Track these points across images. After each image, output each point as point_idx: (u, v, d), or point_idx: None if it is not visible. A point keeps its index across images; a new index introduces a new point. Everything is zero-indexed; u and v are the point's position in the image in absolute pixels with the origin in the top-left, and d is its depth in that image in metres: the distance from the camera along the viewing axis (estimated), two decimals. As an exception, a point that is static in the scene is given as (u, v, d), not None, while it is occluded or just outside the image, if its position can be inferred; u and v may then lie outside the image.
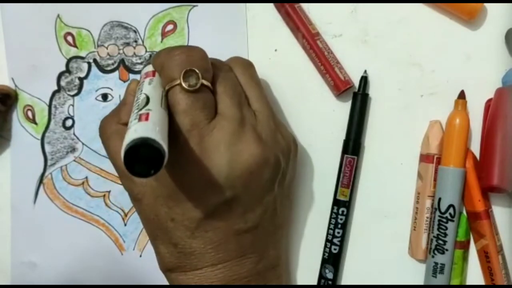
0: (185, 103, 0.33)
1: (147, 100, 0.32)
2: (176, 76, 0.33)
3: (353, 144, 0.40)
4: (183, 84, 0.33)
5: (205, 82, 0.33)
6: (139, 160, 0.27)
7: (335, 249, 0.40)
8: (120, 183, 0.43)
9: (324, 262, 0.40)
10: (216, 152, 0.33)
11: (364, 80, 0.40)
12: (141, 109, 0.30)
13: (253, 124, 0.35)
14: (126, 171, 0.30)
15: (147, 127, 0.28)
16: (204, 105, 0.33)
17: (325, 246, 0.40)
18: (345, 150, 0.40)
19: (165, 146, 0.27)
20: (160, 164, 0.27)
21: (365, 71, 0.40)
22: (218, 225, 0.34)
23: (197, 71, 0.33)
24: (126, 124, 0.34)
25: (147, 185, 0.34)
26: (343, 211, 0.40)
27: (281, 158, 0.36)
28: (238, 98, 0.35)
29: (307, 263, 0.41)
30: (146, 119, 0.29)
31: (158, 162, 0.27)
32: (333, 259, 0.40)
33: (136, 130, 0.28)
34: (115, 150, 0.35)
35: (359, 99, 0.40)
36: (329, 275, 0.40)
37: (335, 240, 0.40)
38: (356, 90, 0.40)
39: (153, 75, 0.35)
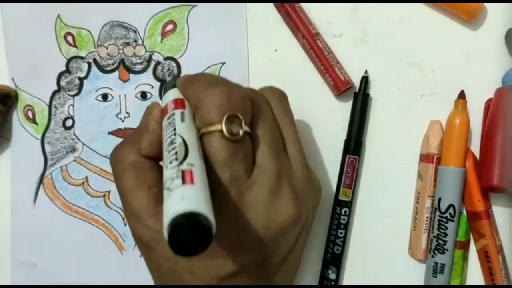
0: (225, 154, 0.29)
1: (186, 148, 0.27)
2: (216, 121, 0.29)
3: (354, 144, 0.40)
4: (225, 132, 0.29)
5: (246, 129, 0.30)
6: (183, 235, 0.22)
7: (337, 250, 0.40)
8: (120, 183, 0.44)
9: (327, 263, 0.40)
10: (253, 211, 0.30)
11: (365, 80, 0.40)
12: (181, 162, 0.26)
13: (289, 175, 0.32)
14: (136, 209, 0.27)
15: (196, 194, 0.24)
16: (244, 157, 0.30)
17: (328, 247, 0.40)
18: (346, 150, 0.40)
19: (213, 219, 0.23)
20: (208, 241, 0.23)
21: (366, 71, 0.40)
22: (239, 283, 0.31)
23: (240, 117, 0.29)
24: (147, 157, 0.32)
25: (159, 232, 0.30)
26: (345, 212, 0.40)
27: (311, 212, 0.34)
28: (276, 145, 0.32)
29: (308, 264, 0.41)
30: (191, 181, 0.25)
31: (205, 239, 0.23)
32: (335, 260, 0.40)
33: (183, 199, 0.23)
34: (129, 185, 0.31)
35: (360, 99, 0.40)
36: (332, 276, 0.40)
37: (338, 241, 0.40)
38: (356, 90, 0.40)
39: (183, 106, 0.31)
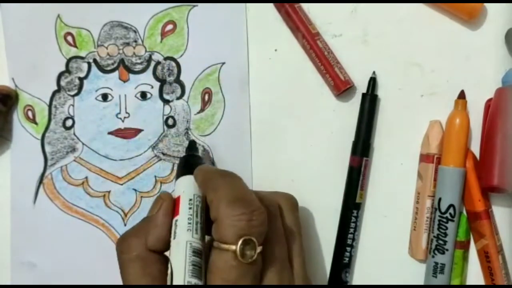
0: (235, 274, 0.30)
1: (171, 280, 0.30)
2: (231, 241, 0.30)
3: (364, 146, 0.40)
4: (238, 255, 0.30)
5: (259, 250, 0.30)
6: None
7: (353, 252, 0.40)
8: (121, 183, 0.44)
9: (344, 266, 0.40)
10: None
11: (373, 81, 0.40)
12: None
13: None
14: None
15: None
16: (253, 278, 0.31)
17: (345, 250, 0.40)
18: (363, 153, 0.40)
19: None
20: None
21: (374, 72, 0.40)
22: None
23: (255, 240, 0.30)
24: (153, 251, 0.33)
25: None
26: (359, 214, 0.40)
27: None
28: (282, 263, 0.33)
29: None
30: None
31: None
32: (351, 262, 0.40)
33: None
34: (133, 276, 0.33)
35: (368, 100, 0.40)
36: (349, 279, 0.40)
37: (354, 243, 0.40)
38: (356, 90, 0.40)
39: (177, 212, 0.33)
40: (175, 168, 0.43)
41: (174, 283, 0.30)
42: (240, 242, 0.30)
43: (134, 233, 0.34)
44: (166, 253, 0.33)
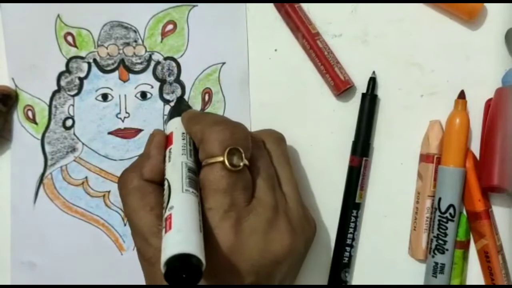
0: (226, 183, 0.32)
1: (169, 192, 0.31)
2: (218, 153, 0.32)
3: (364, 146, 0.40)
4: (226, 163, 0.32)
5: (246, 162, 0.32)
6: (173, 275, 0.26)
7: (353, 252, 0.40)
8: (120, 183, 0.44)
9: (344, 266, 0.40)
10: (250, 238, 0.32)
11: (373, 81, 0.40)
12: (165, 208, 0.30)
13: (285, 210, 0.34)
14: (140, 229, 0.30)
15: (176, 239, 0.28)
16: (244, 187, 0.32)
17: (345, 250, 0.40)
18: (363, 153, 0.40)
19: (201, 256, 0.27)
20: (198, 276, 0.27)
21: (374, 72, 0.40)
22: None
23: (241, 150, 0.32)
24: (148, 181, 0.34)
25: None
26: (359, 214, 0.40)
27: (305, 247, 0.36)
28: (272, 182, 0.34)
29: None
30: (170, 226, 0.28)
31: (193, 275, 0.27)
32: (350, 262, 0.40)
33: (165, 248, 0.27)
34: (133, 207, 0.34)
35: (367, 100, 0.40)
36: (348, 278, 0.40)
37: (354, 243, 0.40)
38: (357, 90, 0.40)
39: (170, 142, 0.35)
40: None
41: (172, 194, 0.31)
42: (226, 151, 0.32)
43: (130, 169, 0.36)
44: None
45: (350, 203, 0.40)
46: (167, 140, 0.36)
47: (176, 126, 0.37)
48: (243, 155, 0.32)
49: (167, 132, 0.37)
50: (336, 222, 0.40)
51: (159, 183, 0.34)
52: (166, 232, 0.28)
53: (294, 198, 0.36)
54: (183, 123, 0.36)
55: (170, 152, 0.35)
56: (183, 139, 0.35)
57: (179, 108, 0.41)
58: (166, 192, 0.31)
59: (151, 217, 0.33)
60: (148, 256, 0.33)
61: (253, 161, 0.34)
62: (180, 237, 0.28)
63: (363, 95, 0.40)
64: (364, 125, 0.40)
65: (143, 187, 0.34)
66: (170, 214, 0.29)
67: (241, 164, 0.32)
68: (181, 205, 0.30)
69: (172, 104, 0.43)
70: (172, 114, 0.40)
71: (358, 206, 0.40)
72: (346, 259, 0.40)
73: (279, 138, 0.38)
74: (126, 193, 0.35)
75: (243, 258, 0.31)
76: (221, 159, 0.32)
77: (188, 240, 0.28)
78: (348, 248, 0.40)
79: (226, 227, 0.31)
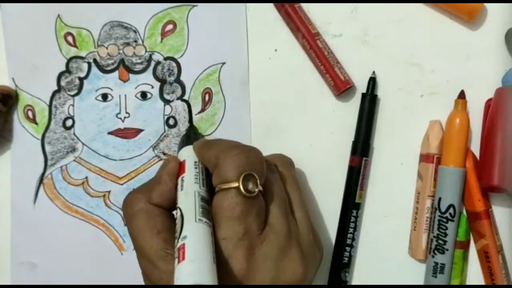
0: (240, 210, 0.31)
1: (182, 221, 0.30)
2: (233, 178, 0.31)
3: (363, 146, 0.40)
4: (242, 189, 0.31)
5: (261, 188, 0.32)
6: None
7: (352, 252, 0.40)
8: (121, 183, 0.44)
9: (344, 266, 0.40)
10: (262, 266, 0.31)
11: (373, 81, 0.40)
12: (178, 238, 0.30)
13: (297, 237, 0.34)
14: (147, 252, 0.30)
15: (188, 270, 0.28)
16: (257, 213, 0.32)
17: (345, 250, 0.40)
18: (363, 153, 0.40)
19: (214, 280, 0.27)
20: None
21: (373, 72, 0.40)
22: None
23: (256, 176, 0.31)
24: (156, 205, 0.34)
25: (170, 274, 0.31)
26: (358, 214, 0.40)
27: (314, 273, 0.35)
28: (285, 208, 0.34)
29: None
30: (183, 257, 0.28)
31: None
32: (350, 262, 0.40)
33: (178, 278, 0.28)
34: (138, 228, 0.33)
35: (367, 100, 0.40)
36: (348, 278, 0.40)
37: (354, 243, 0.40)
38: (357, 90, 0.40)
39: (183, 171, 0.35)
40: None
41: (185, 223, 0.30)
42: (241, 177, 0.31)
43: (138, 190, 0.35)
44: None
45: (350, 203, 0.40)
46: (180, 167, 0.36)
47: (188, 155, 0.36)
48: (258, 181, 0.31)
49: (180, 159, 0.37)
50: (336, 222, 0.40)
51: (166, 209, 0.34)
52: (179, 262, 0.28)
53: (306, 224, 0.35)
54: (195, 151, 0.36)
55: (182, 180, 0.34)
56: (196, 168, 0.35)
57: (190, 136, 0.41)
58: (178, 221, 0.31)
59: (157, 240, 0.32)
60: (155, 279, 0.32)
61: (267, 186, 0.33)
62: (194, 268, 0.28)
63: (363, 95, 0.40)
64: (364, 125, 0.40)
65: (150, 210, 0.34)
66: (183, 244, 0.29)
67: (256, 190, 0.31)
68: (194, 235, 0.30)
69: (185, 129, 0.43)
70: (183, 143, 0.39)
71: (358, 206, 0.40)
72: (346, 259, 0.40)
73: (289, 163, 0.38)
74: (131, 213, 0.34)
75: (255, 284, 0.31)
76: (236, 184, 0.31)
77: (201, 271, 0.28)
78: (348, 248, 0.40)
79: (239, 256, 0.31)
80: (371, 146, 0.40)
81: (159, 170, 0.36)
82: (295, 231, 0.34)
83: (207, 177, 0.34)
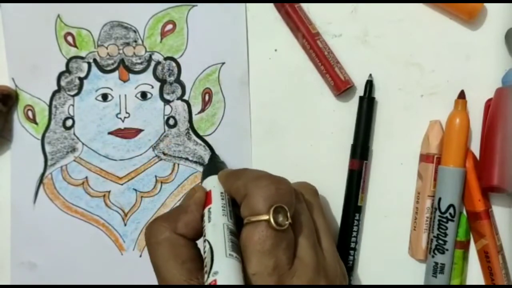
0: (270, 243, 0.30)
1: (212, 255, 0.30)
2: (263, 211, 0.31)
3: (362, 149, 0.40)
4: (272, 222, 0.30)
5: (291, 221, 0.31)
6: None
7: (356, 256, 0.40)
8: (121, 183, 0.44)
9: (348, 270, 0.40)
10: None
11: (370, 84, 0.40)
12: (209, 273, 0.29)
13: (325, 269, 0.33)
14: (170, 281, 0.30)
15: None
16: (287, 246, 0.31)
17: (349, 254, 0.40)
18: (362, 156, 0.40)
19: None
20: None
21: (370, 75, 0.40)
22: None
23: (286, 208, 0.31)
24: (182, 235, 0.33)
25: None
26: (360, 217, 0.40)
27: None
28: (313, 238, 0.33)
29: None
30: None
31: None
32: (354, 265, 0.40)
33: None
34: (162, 258, 0.33)
35: (365, 104, 0.40)
36: (353, 282, 0.40)
37: (357, 246, 0.40)
38: (357, 90, 0.40)
39: (210, 201, 0.34)
40: (176, 168, 0.43)
41: (215, 258, 0.30)
42: (272, 209, 0.30)
43: (163, 218, 0.35)
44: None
45: (352, 206, 0.40)
46: (206, 198, 0.35)
47: (214, 185, 0.35)
48: (288, 213, 0.31)
49: (207, 188, 0.36)
50: (336, 222, 0.40)
51: (190, 239, 0.34)
52: None
53: (332, 254, 0.35)
54: (221, 181, 0.35)
55: (209, 211, 0.33)
56: (222, 199, 0.34)
57: (213, 165, 0.40)
58: (208, 254, 0.30)
59: (182, 271, 0.32)
60: None
61: (295, 216, 0.33)
62: None
63: (361, 98, 0.40)
64: (362, 128, 0.40)
65: (175, 240, 0.33)
66: (215, 280, 0.28)
67: (287, 223, 0.31)
68: (226, 271, 0.29)
69: (208, 159, 0.43)
70: (206, 172, 0.39)
71: (360, 209, 0.40)
72: (350, 262, 0.40)
73: (314, 191, 0.38)
74: (155, 242, 0.33)
75: None
76: (266, 217, 0.30)
77: None
78: (352, 252, 0.40)
79: None
80: (370, 147, 0.40)
81: (185, 200, 0.35)
82: (323, 262, 0.33)
83: (233, 208, 0.34)
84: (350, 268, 0.40)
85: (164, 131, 0.43)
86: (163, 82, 0.43)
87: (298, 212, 0.33)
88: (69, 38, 0.44)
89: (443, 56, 0.40)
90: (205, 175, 0.38)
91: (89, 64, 0.44)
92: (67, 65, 0.44)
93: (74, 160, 0.44)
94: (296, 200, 0.33)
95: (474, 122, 0.38)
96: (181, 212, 0.34)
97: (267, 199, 0.31)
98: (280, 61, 0.42)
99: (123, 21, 0.44)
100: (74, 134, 0.44)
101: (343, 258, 0.39)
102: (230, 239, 0.31)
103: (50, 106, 0.45)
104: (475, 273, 0.39)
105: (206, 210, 0.34)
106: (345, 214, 0.40)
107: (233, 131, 0.42)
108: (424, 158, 0.39)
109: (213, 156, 0.42)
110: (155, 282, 0.43)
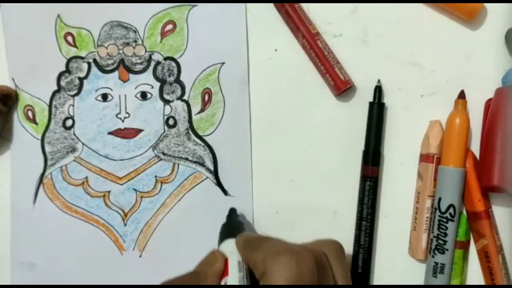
0: None
1: None
2: None
3: (374, 154, 0.40)
4: None
5: None
6: None
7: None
8: (121, 183, 0.44)
9: (364, 277, 0.40)
10: None
11: (379, 89, 0.40)
12: None
13: None
14: None
15: None
16: None
17: (363, 259, 0.40)
18: (375, 162, 0.40)
19: None
20: None
21: (379, 81, 0.40)
22: None
23: None
24: None
25: None
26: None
27: None
28: None
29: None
30: None
31: None
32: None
33: None
34: None
35: (375, 109, 0.40)
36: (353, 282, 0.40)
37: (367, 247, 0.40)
38: (357, 90, 0.40)
39: (226, 273, 0.34)
40: (176, 168, 0.43)
41: None
42: None
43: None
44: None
45: (368, 214, 0.39)
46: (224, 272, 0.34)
47: (231, 251, 0.35)
48: None
49: (224, 251, 0.35)
50: (336, 222, 0.41)
51: None
52: None
53: None
54: (239, 249, 0.35)
55: (226, 284, 0.33)
56: (240, 271, 0.33)
57: (232, 224, 0.39)
58: None
59: None
60: None
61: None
62: None
63: (371, 104, 0.40)
64: (373, 133, 0.39)
65: None
66: None
67: None
68: None
69: (226, 216, 0.41)
70: (225, 232, 0.38)
71: (373, 215, 0.40)
72: (360, 268, 0.40)
73: (341, 251, 0.36)
74: None
75: None
76: None
77: None
78: (364, 255, 0.40)
79: None
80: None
81: (203, 265, 0.35)
82: None
83: (252, 277, 0.33)
84: (364, 274, 0.40)
85: (164, 131, 0.43)
86: (163, 82, 0.43)
87: (321, 282, 0.32)
88: (69, 38, 0.44)
89: (443, 56, 0.40)
90: (223, 234, 0.38)
91: (89, 64, 0.44)
92: (67, 65, 0.44)
93: (74, 160, 0.44)
94: (319, 273, 0.32)
95: (474, 122, 0.38)
96: (200, 280, 0.34)
97: (287, 280, 0.30)
98: (280, 61, 0.42)
99: (123, 21, 0.44)
100: (74, 134, 0.44)
101: (365, 276, 0.40)
102: None
103: (50, 106, 0.45)
104: (475, 273, 0.39)
105: (223, 281, 0.33)
106: (360, 223, 0.40)
107: (233, 131, 0.42)
108: (424, 158, 0.39)
109: (232, 212, 0.41)
110: (155, 282, 0.43)
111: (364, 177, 0.40)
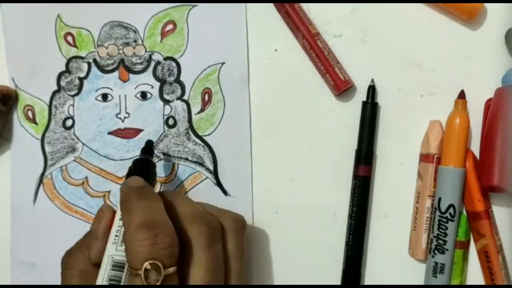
0: None
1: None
2: (138, 267, 0.31)
3: (367, 154, 0.40)
4: (143, 280, 0.30)
5: (171, 271, 0.31)
6: None
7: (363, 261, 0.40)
8: (121, 183, 0.44)
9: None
10: None
11: (372, 89, 0.40)
12: None
13: None
14: None
15: None
16: None
17: (361, 260, 0.40)
18: (367, 161, 0.40)
19: None
20: None
21: (372, 80, 0.40)
22: None
23: (159, 264, 0.31)
24: (96, 264, 0.34)
25: None
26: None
27: None
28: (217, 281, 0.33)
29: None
30: None
31: None
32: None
33: None
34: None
35: (368, 109, 0.40)
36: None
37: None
38: (356, 90, 0.40)
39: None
40: (175, 168, 0.43)
41: None
42: (144, 266, 0.30)
43: (78, 248, 0.35)
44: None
45: (363, 215, 0.40)
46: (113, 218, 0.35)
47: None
48: (161, 268, 0.31)
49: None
50: (336, 222, 0.41)
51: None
52: None
53: None
54: (120, 199, 0.35)
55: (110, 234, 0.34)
56: (120, 219, 0.34)
57: (139, 166, 0.38)
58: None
59: None
60: None
61: (189, 265, 0.33)
62: None
63: (364, 103, 0.40)
64: (366, 133, 0.39)
65: (87, 273, 0.34)
66: None
67: (160, 279, 0.31)
68: None
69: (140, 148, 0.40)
70: (129, 174, 0.37)
71: (366, 214, 0.40)
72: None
73: (241, 227, 0.37)
74: (68, 275, 0.35)
75: None
76: (139, 272, 0.31)
77: None
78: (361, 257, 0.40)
79: None
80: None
81: (94, 221, 0.36)
82: None
83: None
84: (355, 273, 0.40)
85: (164, 131, 0.43)
86: (163, 82, 0.43)
87: (207, 258, 0.33)
88: (69, 38, 0.44)
89: (443, 56, 0.40)
90: (129, 170, 0.38)
91: (89, 64, 0.44)
92: (67, 65, 0.44)
93: (74, 160, 0.44)
94: (213, 236, 0.33)
95: (474, 122, 0.38)
96: (93, 238, 0.35)
97: (140, 256, 0.31)
98: (280, 61, 0.42)
99: (123, 21, 0.44)
100: (74, 134, 0.44)
101: (356, 274, 0.40)
102: (109, 276, 0.32)
103: (50, 106, 0.45)
104: (475, 273, 0.39)
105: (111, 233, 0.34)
106: (357, 223, 0.40)
107: (233, 131, 0.42)
108: (424, 158, 0.39)
109: (148, 147, 0.40)
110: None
111: (357, 177, 0.40)
